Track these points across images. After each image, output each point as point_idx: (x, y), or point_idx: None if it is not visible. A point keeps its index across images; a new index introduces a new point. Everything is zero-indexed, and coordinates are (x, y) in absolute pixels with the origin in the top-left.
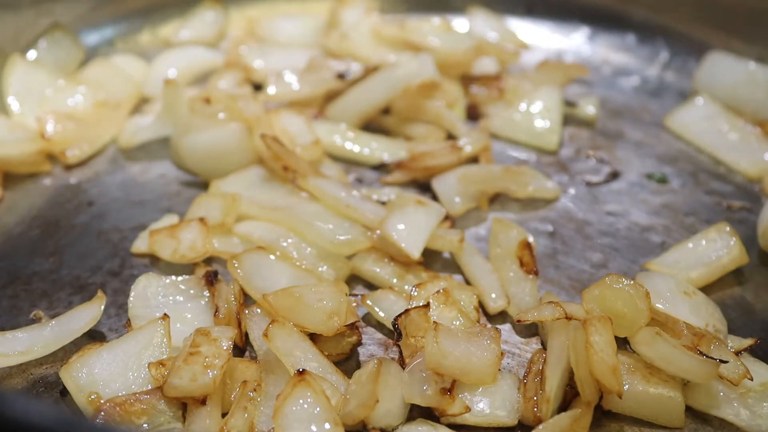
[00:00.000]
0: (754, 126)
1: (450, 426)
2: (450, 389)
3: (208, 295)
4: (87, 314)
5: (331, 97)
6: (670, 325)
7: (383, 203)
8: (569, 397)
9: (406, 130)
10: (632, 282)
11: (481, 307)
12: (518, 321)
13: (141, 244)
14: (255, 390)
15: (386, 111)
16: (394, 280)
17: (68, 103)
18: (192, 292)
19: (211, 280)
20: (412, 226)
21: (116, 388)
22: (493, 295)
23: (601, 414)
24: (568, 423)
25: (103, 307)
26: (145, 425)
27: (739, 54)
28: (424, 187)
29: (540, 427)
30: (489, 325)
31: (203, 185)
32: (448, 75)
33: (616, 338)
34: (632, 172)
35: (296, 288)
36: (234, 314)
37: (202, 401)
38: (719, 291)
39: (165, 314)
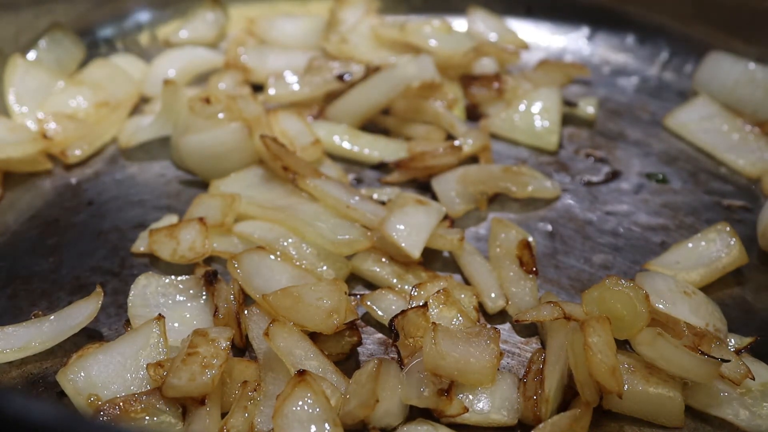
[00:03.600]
0: (754, 126)
1: (450, 426)
2: (448, 390)
3: (207, 295)
4: (85, 310)
5: (331, 97)
6: (670, 325)
7: (383, 203)
8: (569, 397)
9: (406, 130)
10: (632, 284)
11: (481, 307)
12: (516, 321)
13: (141, 244)
14: (255, 390)
15: (386, 111)
16: (394, 280)
17: (68, 104)
18: (192, 291)
19: (211, 280)
20: (412, 226)
21: (115, 390)
22: (493, 295)
23: (601, 414)
24: (568, 423)
25: (100, 302)
26: (144, 425)
27: (739, 54)
28: (424, 187)
29: (540, 426)
30: (489, 325)
31: (203, 185)
32: (448, 75)
33: (616, 338)
34: (632, 172)
35: (295, 287)
36: (233, 314)
37: (201, 401)
38: (719, 291)
39: (160, 315)
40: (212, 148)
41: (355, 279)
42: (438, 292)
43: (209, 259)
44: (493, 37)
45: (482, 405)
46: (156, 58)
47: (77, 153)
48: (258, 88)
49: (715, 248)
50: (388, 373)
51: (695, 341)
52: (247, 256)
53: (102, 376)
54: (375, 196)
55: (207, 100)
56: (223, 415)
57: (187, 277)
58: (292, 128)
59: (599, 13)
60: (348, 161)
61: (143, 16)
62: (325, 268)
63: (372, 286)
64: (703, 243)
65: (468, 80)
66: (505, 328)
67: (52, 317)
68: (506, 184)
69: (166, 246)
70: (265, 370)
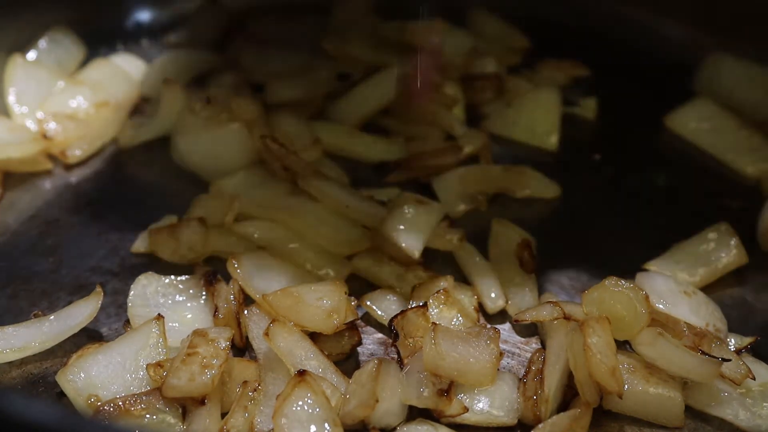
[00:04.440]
0: (754, 126)
1: (450, 426)
2: (448, 390)
3: (207, 295)
4: (85, 310)
5: (331, 97)
6: (670, 325)
7: (383, 203)
8: (569, 397)
9: (406, 130)
10: (631, 285)
11: (481, 307)
12: (516, 321)
13: (141, 244)
14: (255, 390)
15: (386, 111)
16: (394, 280)
17: (68, 104)
18: (192, 291)
19: (211, 280)
20: (412, 226)
21: (114, 390)
22: (492, 295)
23: (601, 414)
24: (568, 423)
25: (100, 302)
26: (144, 425)
27: (739, 54)
28: (424, 187)
29: (539, 426)
30: (489, 325)
31: (203, 185)
32: (449, 76)
33: (616, 339)
34: (632, 172)
35: (295, 287)
36: (233, 314)
37: (201, 401)
38: (719, 291)
39: (159, 315)
40: (212, 148)
41: (355, 279)
42: (438, 292)
43: (209, 259)
44: (493, 37)
45: (482, 405)
46: (156, 58)
47: (77, 153)
48: (258, 88)
49: (715, 248)
50: (388, 373)
51: (695, 341)
52: (247, 256)
53: (102, 376)
54: (375, 196)
55: (207, 100)
56: (223, 415)
57: (187, 277)
58: (292, 128)
59: (599, 13)
60: (348, 161)
61: (143, 16)
62: (325, 268)
63: (372, 286)
64: (703, 243)
65: (468, 80)
66: (505, 328)
67: (52, 317)
68: (506, 184)
69: (166, 246)
70: (265, 370)
